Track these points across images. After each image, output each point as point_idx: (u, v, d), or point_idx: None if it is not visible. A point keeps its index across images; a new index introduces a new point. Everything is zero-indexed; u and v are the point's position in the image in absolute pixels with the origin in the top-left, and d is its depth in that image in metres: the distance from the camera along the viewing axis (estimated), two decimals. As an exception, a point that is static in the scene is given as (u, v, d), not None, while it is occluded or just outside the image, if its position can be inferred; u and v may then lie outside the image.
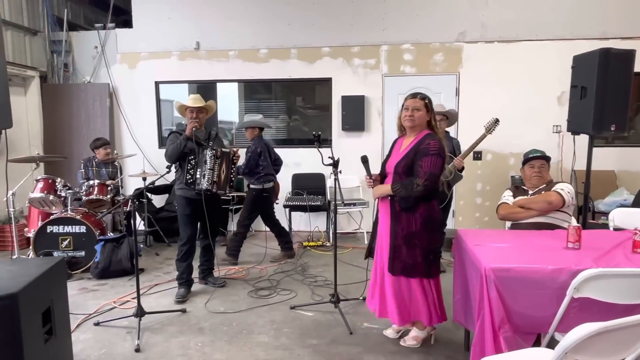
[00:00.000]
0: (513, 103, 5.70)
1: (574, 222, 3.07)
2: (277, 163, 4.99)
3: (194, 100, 3.80)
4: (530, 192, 3.19)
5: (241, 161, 4.54)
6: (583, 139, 3.71)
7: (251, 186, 4.85)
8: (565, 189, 3.00)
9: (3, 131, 2.22)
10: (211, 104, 3.90)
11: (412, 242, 2.69)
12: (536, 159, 3.20)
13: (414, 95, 2.78)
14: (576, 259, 2.16)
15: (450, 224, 5.89)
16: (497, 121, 4.03)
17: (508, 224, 3.25)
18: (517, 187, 3.32)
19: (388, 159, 2.88)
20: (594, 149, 3.69)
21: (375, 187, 2.86)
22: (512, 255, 2.30)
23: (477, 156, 5.87)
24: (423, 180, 2.59)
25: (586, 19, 5.53)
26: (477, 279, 2.19)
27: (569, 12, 5.55)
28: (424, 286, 2.74)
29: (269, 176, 4.79)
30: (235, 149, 3.90)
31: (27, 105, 6.10)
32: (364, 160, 3.01)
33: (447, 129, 4.40)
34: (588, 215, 4.11)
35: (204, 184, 3.66)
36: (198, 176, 3.67)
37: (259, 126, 4.90)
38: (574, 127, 3.69)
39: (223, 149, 3.76)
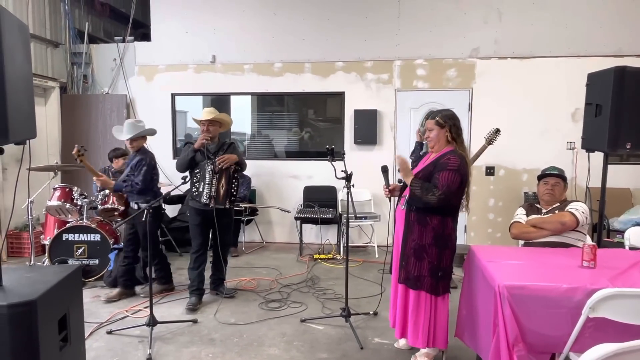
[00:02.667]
0: (526, 119, 5.69)
1: (588, 241, 3.03)
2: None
3: (206, 114, 3.84)
4: (544, 210, 3.17)
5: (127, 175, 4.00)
6: (598, 156, 3.68)
7: (143, 205, 3.79)
8: (580, 209, 2.98)
9: (27, 141, 2.27)
10: (224, 117, 3.94)
11: (421, 255, 2.70)
12: (551, 176, 3.18)
13: (427, 116, 2.87)
14: (592, 278, 2.14)
15: (461, 239, 5.86)
16: (497, 131, 4.05)
17: (521, 241, 3.22)
18: (531, 205, 3.30)
19: (412, 169, 2.92)
20: (609, 166, 3.66)
21: (406, 169, 2.79)
22: (527, 272, 2.29)
23: (490, 172, 5.85)
24: (440, 191, 2.60)
25: (600, 36, 5.52)
26: (491, 296, 2.18)
27: (583, 29, 5.55)
28: (430, 304, 2.71)
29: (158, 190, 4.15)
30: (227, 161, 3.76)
31: (46, 115, 6.25)
32: (384, 170, 3.05)
33: None
34: (603, 233, 4.05)
35: (203, 198, 3.74)
36: (201, 190, 3.75)
37: (149, 134, 4.14)
38: (589, 145, 3.66)
39: (222, 164, 3.70)
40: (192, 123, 5.66)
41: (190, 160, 3.73)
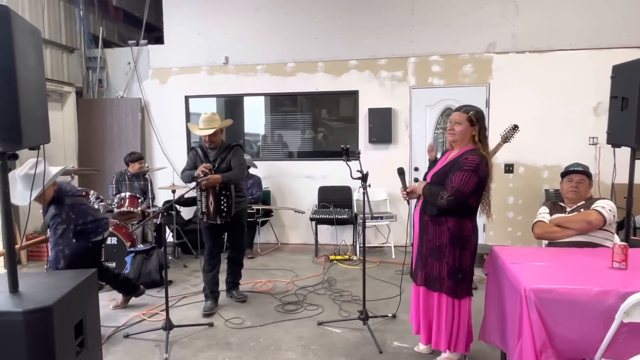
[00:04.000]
0: (546, 114, 5.53)
1: (617, 240, 2.91)
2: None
3: (203, 124, 3.72)
4: (568, 209, 3.05)
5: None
6: (623, 152, 3.54)
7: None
8: (607, 207, 2.85)
9: (41, 146, 2.26)
10: (222, 125, 3.80)
11: (438, 256, 2.62)
12: (575, 173, 3.06)
13: (458, 109, 2.70)
14: (624, 281, 2.04)
15: (480, 238, 5.72)
16: (515, 127, 3.86)
17: (545, 242, 3.11)
18: (554, 204, 3.18)
19: (431, 168, 2.84)
20: (636, 162, 3.51)
21: (416, 191, 2.79)
22: (553, 275, 2.19)
23: (509, 169, 5.71)
24: (448, 194, 2.51)
25: (623, 27, 5.33)
26: (517, 300, 2.09)
27: (605, 20, 5.37)
28: (452, 307, 2.63)
29: (105, 220, 3.63)
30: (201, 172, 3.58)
31: (63, 120, 6.32)
32: (401, 172, 2.97)
33: None
34: (630, 231, 3.90)
35: (198, 214, 3.82)
36: (198, 204, 3.82)
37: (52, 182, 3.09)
38: (615, 140, 3.51)
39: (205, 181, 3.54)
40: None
41: (192, 179, 3.72)
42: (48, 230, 3.21)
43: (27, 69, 2.03)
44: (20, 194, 2.77)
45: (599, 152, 5.40)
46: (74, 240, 3.26)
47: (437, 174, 2.68)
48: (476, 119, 2.62)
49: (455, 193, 2.50)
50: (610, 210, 2.84)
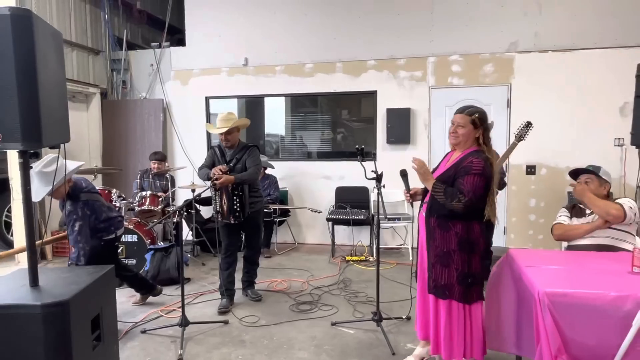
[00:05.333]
0: (570, 115, 5.39)
1: (638, 242, 2.81)
2: None
3: (220, 122, 3.77)
4: (588, 211, 2.96)
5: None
6: (650, 153, 3.44)
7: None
8: (628, 204, 2.77)
9: (62, 145, 2.34)
10: (238, 123, 3.84)
11: (446, 262, 2.53)
12: (581, 172, 3.00)
13: (461, 110, 2.60)
14: (643, 286, 1.97)
15: (501, 241, 5.63)
16: (528, 125, 3.72)
17: (564, 244, 3.03)
18: (574, 206, 3.10)
19: (434, 171, 2.77)
20: (662, 164, 3.40)
21: (425, 173, 2.62)
22: (569, 278, 2.13)
23: (531, 171, 5.59)
24: (467, 198, 2.42)
25: (652, 24, 5.15)
26: (531, 304, 2.05)
27: (631, 18, 5.19)
28: (463, 313, 2.54)
29: (119, 219, 3.65)
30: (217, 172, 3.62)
31: (88, 120, 6.51)
32: (403, 174, 2.92)
33: None
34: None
35: (213, 212, 3.88)
36: (213, 203, 3.89)
37: (68, 178, 3.16)
38: (639, 141, 3.42)
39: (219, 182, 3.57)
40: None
41: (207, 178, 3.77)
42: (66, 227, 3.30)
43: (48, 71, 2.10)
44: (35, 190, 2.79)
45: (624, 154, 5.22)
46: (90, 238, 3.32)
47: (442, 176, 2.60)
48: (480, 122, 2.54)
49: (473, 197, 2.44)
50: (631, 207, 2.75)
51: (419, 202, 2.82)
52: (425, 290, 2.73)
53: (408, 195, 2.80)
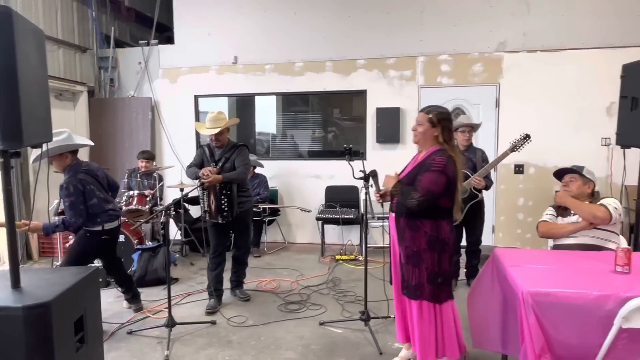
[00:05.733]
0: (557, 114, 5.44)
1: (622, 242, 2.85)
2: (113, 189, 3.74)
3: (210, 123, 3.74)
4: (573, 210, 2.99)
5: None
6: (634, 152, 3.46)
7: (96, 229, 3.43)
8: (613, 204, 2.80)
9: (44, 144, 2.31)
10: (228, 124, 3.83)
11: (417, 261, 2.54)
12: (565, 172, 3.03)
13: (422, 109, 2.65)
14: (625, 285, 1.98)
15: (489, 240, 5.66)
16: (526, 137, 3.80)
17: (550, 243, 3.06)
18: (561, 205, 3.13)
19: (402, 171, 2.77)
20: (647, 163, 3.43)
21: (390, 181, 2.67)
22: (553, 278, 2.14)
23: (519, 170, 5.63)
24: (419, 195, 2.45)
25: (637, 25, 5.21)
26: (515, 303, 2.06)
27: (618, 19, 5.25)
28: (434, 313, 2.53)
29: (110, 212, 3.52)
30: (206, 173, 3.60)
31: (75, 119, 6.42)
32: (374, 174, 2.95)
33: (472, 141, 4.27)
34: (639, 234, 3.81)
35: (201, 212, 3.87)
36: (201, 203, 3.87)
37: (70, 150, 3.32)
38: (624, 141, 3.43)
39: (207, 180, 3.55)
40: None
41: (195, 177, 3.73)
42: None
43: (29, 69, 2.07)
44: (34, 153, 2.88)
45: (611, 153, 5.29)
46: (87, 208, 3.32)
47: (407, 176, 2.62)
48: (437, 120, 2.54)
49: (427, 194, 2.44)
50: (616, 208, 2.79)
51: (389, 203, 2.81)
52: (400, 292, 2.73)
53: (378, 195, 2.80)
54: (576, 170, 3.02)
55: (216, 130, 3.71)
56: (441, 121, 2.56)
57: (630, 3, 5.22)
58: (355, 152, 3.56)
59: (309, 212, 5.76)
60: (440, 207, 2.52)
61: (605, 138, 5.29)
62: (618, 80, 3.52)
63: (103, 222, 3.45)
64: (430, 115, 2.56)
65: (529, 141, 3.83)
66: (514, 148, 3.85)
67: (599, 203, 2.85)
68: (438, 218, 2.52)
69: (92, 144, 3.93)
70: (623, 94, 3.36)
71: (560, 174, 3.10)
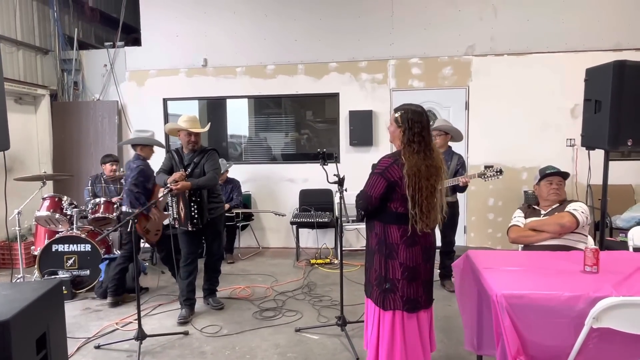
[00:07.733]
0: (524, 116, 5.58)
1: (590, 242, 2.93)
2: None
3: (188, 124, 3.68)
4: (543, 212, 3.05)
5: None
6: (598, 153, 3.58)
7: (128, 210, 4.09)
8: (579, 209, 2.87)
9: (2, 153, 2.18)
10: (207, 127, 3.99)
11: (370, 261, 2.51)
12: (554, 175, 3.07)
13: (396, 108, 2.54)
14: (594, 285, 2.03)
15: (461, 240, 5.75)
16: (500, 172, 3.91)
17: (520, 245, 3.11)
18: (529, 207, 3.19)
19: None
20: (610, 163, 3.54)
21: None
22: (525, 280, 2.17)
23: (489, 171, 5.73)
24: (359, 198, 2.47)
25: (598, 30, 5.41)
26: (490, 305, 2.07)
27: (580, 24, 5.44)
28: (377, 317, 2.44)
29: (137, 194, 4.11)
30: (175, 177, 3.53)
31: (37, 123, 6.15)
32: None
33: (449, 144, 4.32)
34: (605, 232, 3.94)
35: (170, 219, 3.78)
36: (170, 210, 3.80)
37: (149, 144, 4.33)
38: (589, 142, 3.55)
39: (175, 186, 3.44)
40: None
41: (164, 184, 3.61)
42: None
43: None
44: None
45: (576, 154, 5.47)
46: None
47: None
48: (402, 121, 2.39)
49: (362, 195, 2.43)
50: (582, 212, 2.85)
51: None
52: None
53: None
54: (563, 174, 3.07)
55: (198, 130, 3.69)
56: (405, 121, 2.40)
57: (592, 9, 5.42)
58: (329, 155, 3.53)
59: (283, 216, 5.70)
60: (391, 211, 2.38)
61: (570, 139, 5.47)
62: (581, 82, 3.64)
63: (132, 206, 4.06)
64: (397, 115, 2.45)
65: (499, 176, 3.92)
66: (482, 175, 3.94)
67: (566, 210, 2.91)
68: (387, 222, 2.41)
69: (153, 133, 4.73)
70: (587, 97, 3.46)
71: (551, 175, 3.09)
